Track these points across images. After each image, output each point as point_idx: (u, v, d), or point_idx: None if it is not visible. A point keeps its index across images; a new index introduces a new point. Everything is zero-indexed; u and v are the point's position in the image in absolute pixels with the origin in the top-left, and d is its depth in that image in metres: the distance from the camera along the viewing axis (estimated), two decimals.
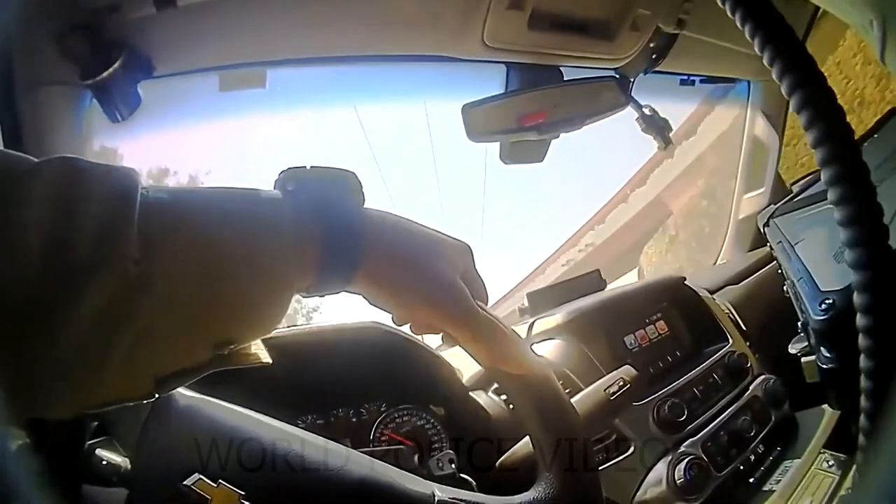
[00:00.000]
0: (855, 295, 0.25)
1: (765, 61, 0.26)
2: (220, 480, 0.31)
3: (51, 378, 0.21)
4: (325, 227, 0.26)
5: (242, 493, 0.31)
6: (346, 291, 0.28)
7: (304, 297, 0.27)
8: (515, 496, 0.38)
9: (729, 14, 0.28)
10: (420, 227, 0.30)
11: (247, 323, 0.25)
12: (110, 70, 0.65)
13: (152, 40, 0.70)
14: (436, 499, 0.35)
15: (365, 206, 0.28)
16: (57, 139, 0.68)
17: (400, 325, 0.32)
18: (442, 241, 0.30)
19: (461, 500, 0.35)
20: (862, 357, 0.25)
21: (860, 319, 0.25)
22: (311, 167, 0.28)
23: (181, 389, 0.31)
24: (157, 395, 0.24)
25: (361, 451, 0.38)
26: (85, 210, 0.21)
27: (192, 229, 0.23)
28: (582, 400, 0.59)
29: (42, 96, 0.66)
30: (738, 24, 0.27)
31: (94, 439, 0.38)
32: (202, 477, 0.31)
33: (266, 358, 0.28)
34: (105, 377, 0.22)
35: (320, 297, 0.28)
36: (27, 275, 0.20)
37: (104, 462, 0.35)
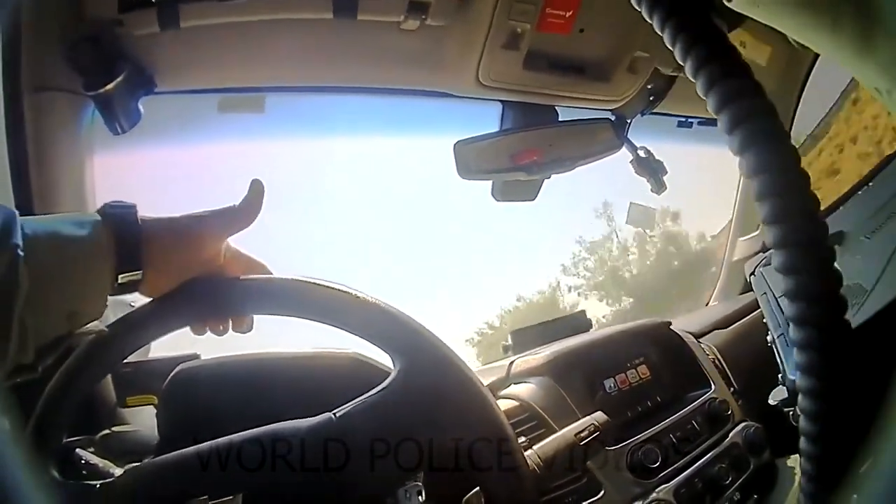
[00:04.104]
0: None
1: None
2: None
3: None
4: (114, 229, 0.40)
5: None
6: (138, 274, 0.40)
7: (121, 284, 0.40)
8: None
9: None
10: (185, 214, 0.44)
11: (80, 297, 0.38)
12: (114, 83, 0.68)
13: (155, 57, 0.72)
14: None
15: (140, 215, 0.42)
16: (59, 144, 0.71)
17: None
18: (201, 215, 0.44)
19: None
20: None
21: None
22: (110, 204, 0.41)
23: None
24: (38, 369, 0.36)
25: None
26: None
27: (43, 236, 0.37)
28: (550, 443, 0.60)
29: (46, 101, 0.69)
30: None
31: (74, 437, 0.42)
32: None
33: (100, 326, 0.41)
34: (6, 347, 0.32)
35: (134, 284, 0.40)
36: None
37: (83, 461, 0.40)
